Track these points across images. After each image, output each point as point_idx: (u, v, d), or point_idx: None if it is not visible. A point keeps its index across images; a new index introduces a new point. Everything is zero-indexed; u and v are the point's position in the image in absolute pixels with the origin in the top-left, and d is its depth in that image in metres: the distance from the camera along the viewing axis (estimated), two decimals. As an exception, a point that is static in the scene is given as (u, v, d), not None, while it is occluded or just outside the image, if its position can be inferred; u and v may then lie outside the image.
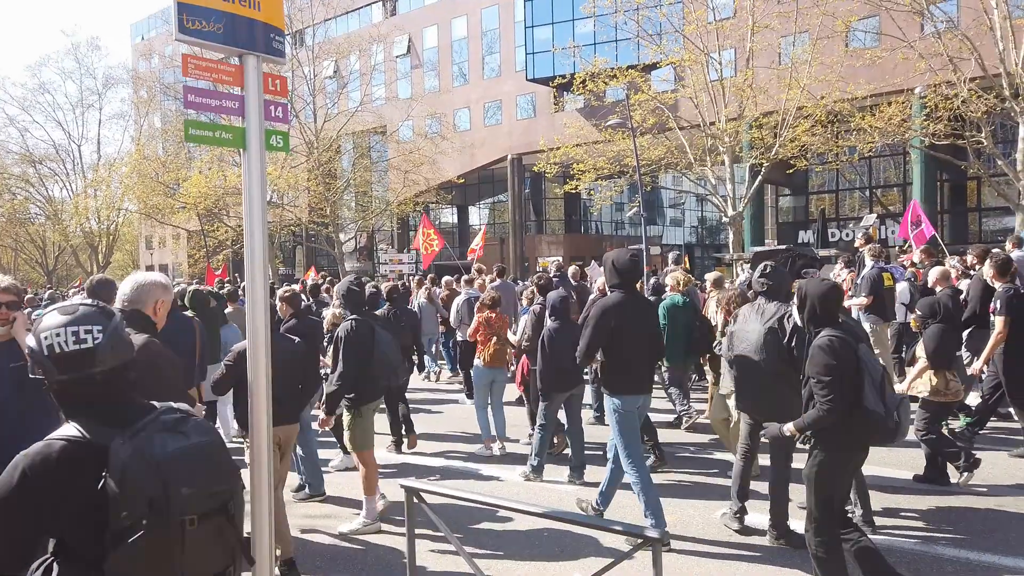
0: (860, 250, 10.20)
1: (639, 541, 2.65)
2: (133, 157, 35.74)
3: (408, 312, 8.85)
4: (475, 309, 8.47)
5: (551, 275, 10.17)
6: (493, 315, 7.65)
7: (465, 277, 11.95)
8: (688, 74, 22.28)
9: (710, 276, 9.51)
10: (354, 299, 5.71)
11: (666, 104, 22.38)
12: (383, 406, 7.00)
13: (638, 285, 6.02)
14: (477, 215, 45.93)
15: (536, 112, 36.21)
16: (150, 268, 53.44)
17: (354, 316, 5.62)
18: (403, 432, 7.80)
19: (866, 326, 8.53)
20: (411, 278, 20.37)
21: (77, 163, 42.76)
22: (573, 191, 26.38)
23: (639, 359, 4.97)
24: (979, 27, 15.73)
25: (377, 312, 7.53)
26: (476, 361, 7.77)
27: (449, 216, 46.07)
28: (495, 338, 7.49)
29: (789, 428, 3.84)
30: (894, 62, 17.52)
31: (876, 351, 8.42)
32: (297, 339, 5.11)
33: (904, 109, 18.14)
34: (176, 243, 47.83)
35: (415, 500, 3.24)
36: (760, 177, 21.63)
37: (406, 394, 8.03)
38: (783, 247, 11.54)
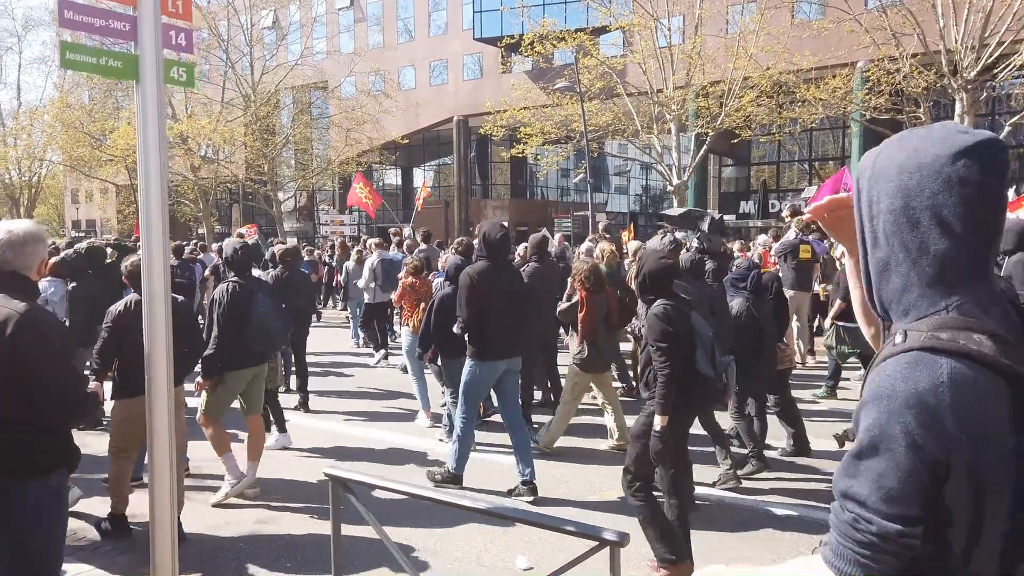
0: (788, 221, 10.43)
1: (595, 544, 2.43)
2: (56, 104, 33.59)
3: (300, 274, 8.36)
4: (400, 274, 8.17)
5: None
6: (417, 281, 7.43)
7: (374, 240, 11.70)
8: (637, 39, 22.05)
9: (632, 245, 9.35)
10: (239, 262, 5.53)
11: (614, 69, 22.12)
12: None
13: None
14: (421, 177, 45.10)
15: (483, 73, 35.45)
16: (76, 223, 51.03)
17: (235, 279, 5.46)
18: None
19: (788, 294, 8.63)
20: (348, 240, 19.69)
21: (-6, 110, 40.18)
22: (520, 155, 25.98)
23: (500, 326, 5.32)
24: (922, 3, 15.89)
25: (265, 275, 7.35)
26: (403, 329, 7.57)
27: (393, 178, 45.09)
28: (421, 304, 7.24)
29: (659, 422, 3.92)
30: (839, 35, 17.61)
31: (794, 318, 8.70)
32: (180, 298, 4.83)
33: (847, 82, 18.32)
34: (104, 198, 45.65)
35: (340, 490, 2.98)
36: (705, 147, 21.66)
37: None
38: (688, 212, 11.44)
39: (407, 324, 7.44)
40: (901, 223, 1.12)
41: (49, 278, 6.44)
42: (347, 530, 3.18)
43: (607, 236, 10.63)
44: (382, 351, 10.85)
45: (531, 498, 5.18)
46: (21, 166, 38.39)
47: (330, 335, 13.54)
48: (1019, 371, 1.00)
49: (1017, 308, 1.13)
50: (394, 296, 8.05)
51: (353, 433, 7.21)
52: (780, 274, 8.22)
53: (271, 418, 6.59)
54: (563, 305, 6.76)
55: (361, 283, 10.66)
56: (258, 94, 28.54)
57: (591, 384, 6.45)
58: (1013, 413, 1.00)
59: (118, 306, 4.51)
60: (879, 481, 1.03)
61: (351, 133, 30.40)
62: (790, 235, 9.86)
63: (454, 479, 5.45)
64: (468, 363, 5.43)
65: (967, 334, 1.04)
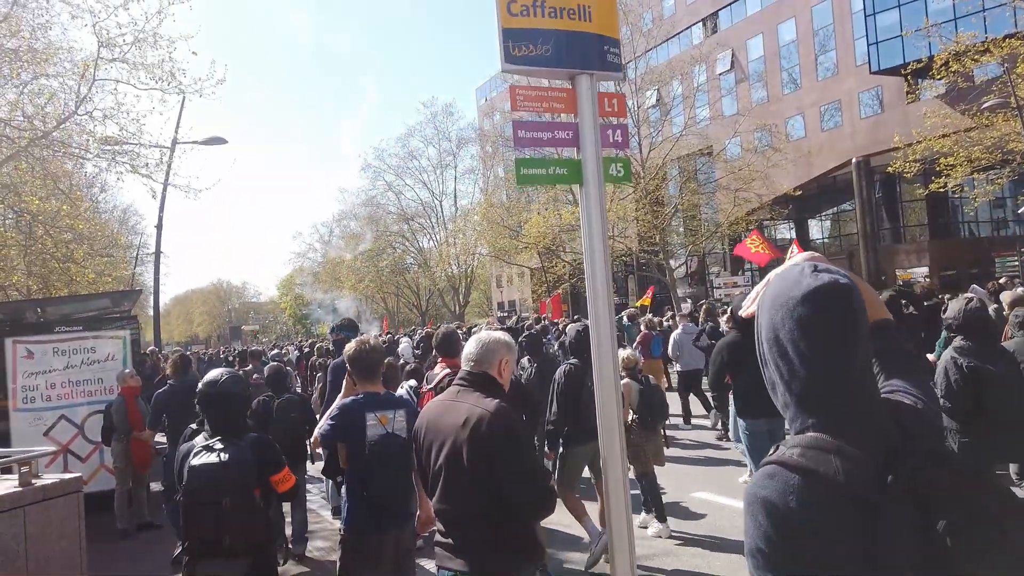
0: None
1: None
2: (482, 206, 39.77)
3: None
4: None
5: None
6: None
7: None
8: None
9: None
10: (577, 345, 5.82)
11: (1062, 72, 18.11)
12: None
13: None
14: (819, 228, 42.09)
15: (884, 107, 32.07)
16: (500, 304, 58.89)
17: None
18: None
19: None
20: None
21: (439, 216, 49.07)
22: (940, 190, 22.55)
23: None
24: None
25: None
26: None
27: (785, 232, 42.91)
28: None
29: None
30: None
31: None
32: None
33: None
34: (520, 280, 51.93)
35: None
36: None
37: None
38: None
39: None
40: (774, 351, 1.33)
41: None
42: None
43: None
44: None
45: None
46: (459, 260, 45.95)
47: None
48: (849, 485, 1.18)
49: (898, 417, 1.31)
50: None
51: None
52: None
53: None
54: None
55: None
56: (647, 170, 29.90)
57: None
58: (853, 517, 1.16)
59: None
60: (757, 573, 1.24)
61: (739, 193, 29.91)
62: None
63: None
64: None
65: (816, 452, 1.23)
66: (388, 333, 23.87)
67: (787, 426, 1.35)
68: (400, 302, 53.58)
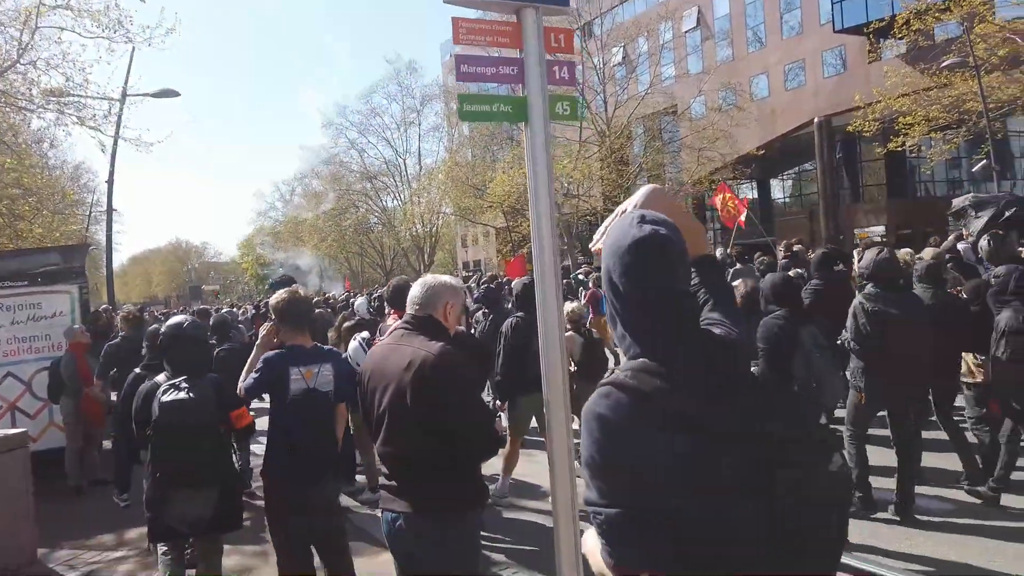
0: None
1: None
2: (447, 164, 39.29)
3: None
4: None
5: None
6: None
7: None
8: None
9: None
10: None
11: (1019, 32, 18.35)
12: None
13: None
14: (780, 187, 42.52)
15: (847, 67, 32.24)
16: (466, 264, 58.73)
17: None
18: None
19: None
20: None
21: (404, 175, 48.35)
22: (898, 149, 22.86)
23: None
24: None
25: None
26: None
27: (748, 192, 43.28)
28: None
29: None
30: None
31: None
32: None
33: None
34: (486, 240, 51.76)
35: None
36: None
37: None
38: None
39: None
40: (609, 291, 1.57)
41: None
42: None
43: None
44: None
45: None
46: (423, 220, 45.49)
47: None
48: (669, 401, 1.41)
49: (715, 342, 1.59)
50: None
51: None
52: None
53: None
54: None
55: None
56: (612, 128, 29.78)
57: None
58: (672, 429, 1.37)
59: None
60: (595, 484, 1.44)
61: (703, 152, 30.00)
62: None
63: None
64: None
65: (643, 375, 1.45)
66: (348, 292, 23.66)
67: (622, 354, 1.56)
68: (364, 262, 53.06)
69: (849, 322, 5.12)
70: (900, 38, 21.28)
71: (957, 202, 10.06)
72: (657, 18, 33.18)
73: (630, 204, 1.75)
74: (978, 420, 5.57)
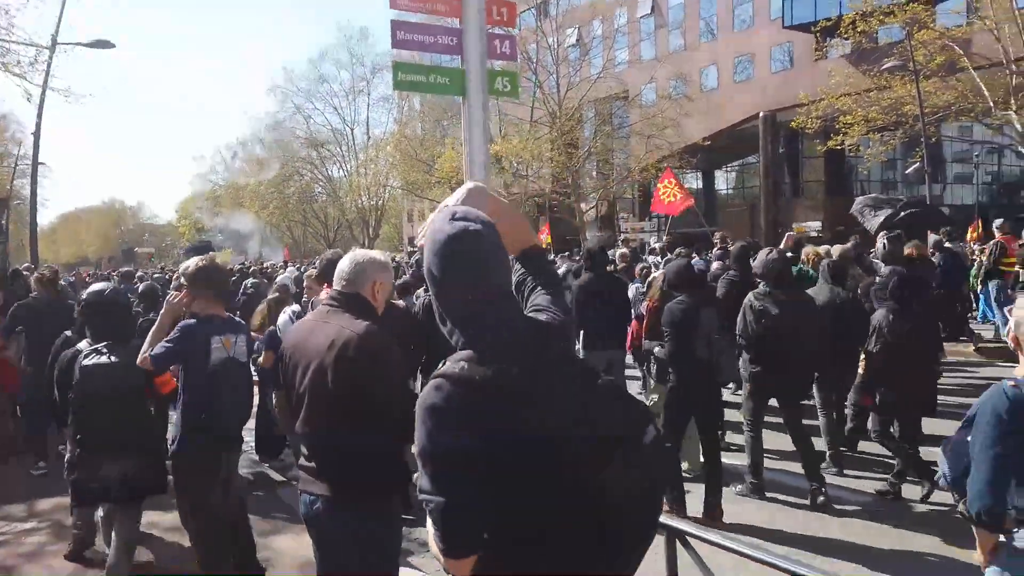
0: None
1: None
2: (395, 136, 38.63)
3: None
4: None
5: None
6: None
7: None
8: (986, 1, 18.66)
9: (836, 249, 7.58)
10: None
11: (957, 40, 18.98)
12: None
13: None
14: (724, 179, 43.25)
15: (794, 63, 32.88)
16: (411, 239, 58.15)
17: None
18: None
19: None
20: (648, 247, 19.28)
21: (351, 145, 47.41)
22: (838, 147, 23.48)
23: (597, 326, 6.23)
24: None
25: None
26: None
27: (693, 181, 43.91)
28: None
29: None
30: None
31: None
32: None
33: None
34: (433, 216, 51.18)
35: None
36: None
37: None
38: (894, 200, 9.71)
39: None
40: (429, 283, 1.63)
41: None
42: None
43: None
44: None
45: None
46: (370, 192, 44.74)
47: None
48: (495, 387, 1.47)
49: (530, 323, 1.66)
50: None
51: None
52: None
53: None
54: None
55: None
56: (563, 110, 29.71)
57: None
58: (491, 413, 1.46)
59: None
60: (427, 473, 1.49)
61: (652, 139, 30.23)
62: None
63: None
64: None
65: (470, 364, 1.50)
66: (287, 261, 23.12)
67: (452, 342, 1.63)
68: (307, 232, 52.00)
69: (739, 318, 5.41)
70: (846, 38, 21.77)
71: (858, 202, 10.41)
72: (613, 2, 33.15)
73: (452, 200, 1.78)
74: (856, 412, 6.12)
